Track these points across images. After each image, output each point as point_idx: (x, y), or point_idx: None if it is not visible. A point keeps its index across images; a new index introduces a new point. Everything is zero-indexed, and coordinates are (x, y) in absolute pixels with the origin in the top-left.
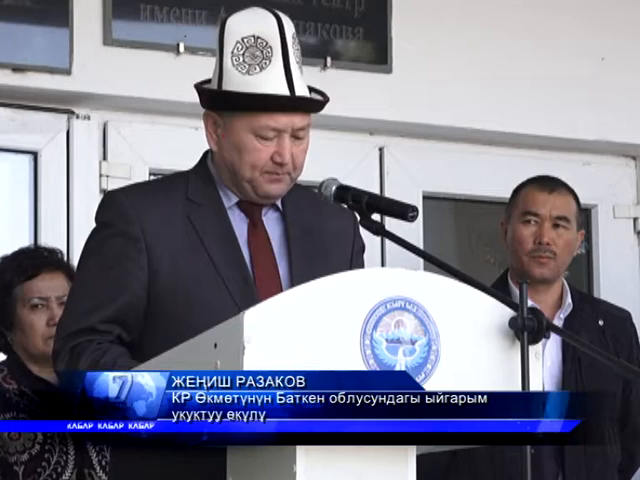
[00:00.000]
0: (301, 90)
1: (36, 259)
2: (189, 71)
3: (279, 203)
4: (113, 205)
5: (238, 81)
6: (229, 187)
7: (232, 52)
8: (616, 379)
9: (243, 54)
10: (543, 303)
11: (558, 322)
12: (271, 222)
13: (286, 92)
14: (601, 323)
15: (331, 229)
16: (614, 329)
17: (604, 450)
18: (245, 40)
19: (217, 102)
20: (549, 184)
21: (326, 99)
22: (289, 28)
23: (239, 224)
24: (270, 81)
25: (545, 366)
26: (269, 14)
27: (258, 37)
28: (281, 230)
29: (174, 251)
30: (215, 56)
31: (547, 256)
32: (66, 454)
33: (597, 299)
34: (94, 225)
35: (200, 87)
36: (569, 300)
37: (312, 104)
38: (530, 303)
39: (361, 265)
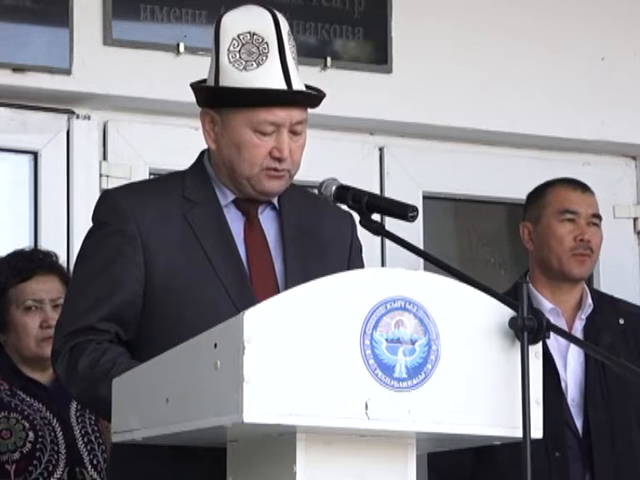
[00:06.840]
0: (298, 85)
1: (31, 261)
2: (189, 71)
3: (275, 202)
4: (109, 204)
5: (235, 77)
6: (226, 185)
7: (228, 49)
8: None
9: (239, 51)
10: (566, 304)
11: (580, 323)
12: (267, 220)
13: (283, 87)
14: (622, 322)
15: (328, 229)
16: (635, 327)
17: (631, 445)
18: (241, 37)
19: (214, 99)
20: (579, 184)
21: (322, 94)
22: (284, 25)
23: (235, 222)
24: (267, 76)
25: (569, 367)
26: (264, 11)
27: (254, 33)
28: (277, 228)
29: (170, 249)
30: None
31: (587, 254)
32: (57, 453)
33: (616, 298)
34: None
35: (197, 85)
36: (589, 301)
37: (310, 98)
38: (551, 306)
39: (361, 265)
